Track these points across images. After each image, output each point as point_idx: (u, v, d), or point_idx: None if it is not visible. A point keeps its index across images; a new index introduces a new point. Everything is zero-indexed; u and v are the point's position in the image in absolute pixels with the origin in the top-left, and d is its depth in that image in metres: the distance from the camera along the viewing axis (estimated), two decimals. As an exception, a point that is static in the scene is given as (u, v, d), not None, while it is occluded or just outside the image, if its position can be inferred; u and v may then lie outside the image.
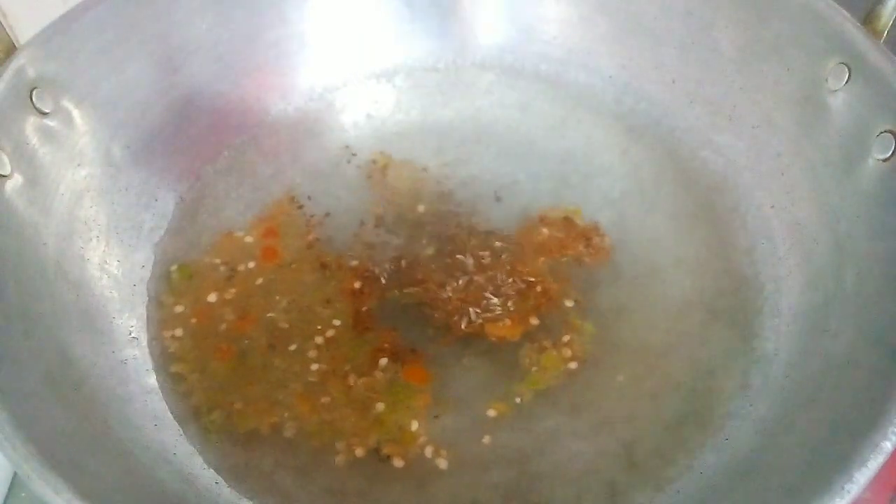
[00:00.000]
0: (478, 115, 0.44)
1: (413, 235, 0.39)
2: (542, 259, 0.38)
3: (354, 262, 0.38)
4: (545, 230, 0.39)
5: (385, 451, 0.33)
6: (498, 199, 0.41)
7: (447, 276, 0.37)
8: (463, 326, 0.35)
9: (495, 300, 0.36)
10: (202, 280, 0.38)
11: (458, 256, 0.37)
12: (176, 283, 0.38)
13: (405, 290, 0.36)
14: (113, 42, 0.37)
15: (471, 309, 0.36)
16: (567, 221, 0.39)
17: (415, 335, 0.36)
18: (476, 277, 0.37)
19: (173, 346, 0.36)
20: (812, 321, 0.34)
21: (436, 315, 0.36)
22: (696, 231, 0.39)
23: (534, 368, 0.35)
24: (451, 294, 0.36)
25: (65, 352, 0.32)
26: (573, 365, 0.35)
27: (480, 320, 0.36)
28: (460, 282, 0.36)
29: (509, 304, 0.36)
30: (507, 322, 0.36)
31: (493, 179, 0.42)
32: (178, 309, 0.37)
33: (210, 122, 0.42)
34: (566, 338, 0.35)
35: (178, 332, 0.36)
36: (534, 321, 0.36)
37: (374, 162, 0.42)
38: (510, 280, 0.37)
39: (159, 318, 0.37)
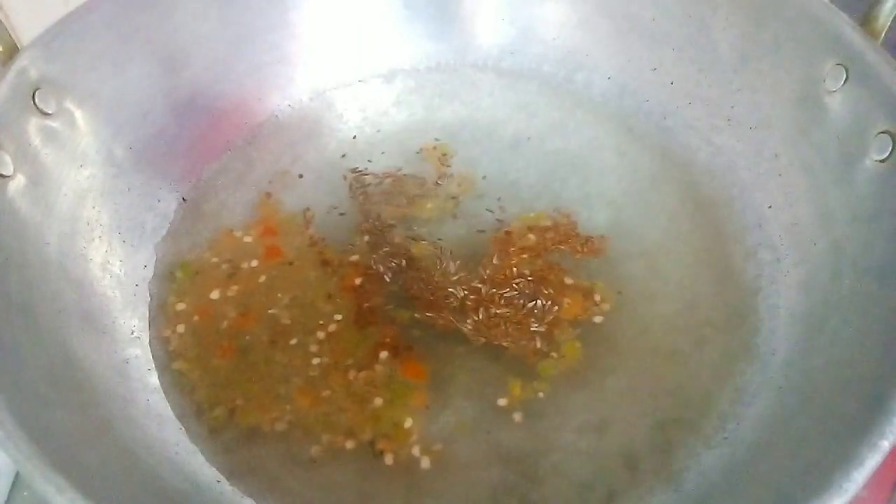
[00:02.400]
0: (477, 116, 0.44)
1: (413, 235, 0.39)
2: (542, 254, 0.38)
3: (355, 259, 0.38)
4: (543, 232, 0.39)
5: (382, 446, 0.33)
6: (498, 200, 0.41)
7: (456, 287, 0.37)
8: (539, 345, 0.35)
9: (540, 302, 0.36)
10: (205, 278, 0.38)
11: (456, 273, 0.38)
12: (179, 281, 0.38)
13: (425, 314, 0.36)
14: (115, 43, 0.38)
15: (533, 328, 0.36)
16: (565, 223, 0.39)
17: (416, 331, 0.36)
18: (493, 290, 0.37)
19: (175, 344, 0.36)
20: (810, 321, 0.34)
21: (508, 349, 0.35)
22: (695, 231, 0.39)
23: (553, 354, 0.35)
24: (474, 327, 0.36)
25: (67, 351, 0.32)
26: (599, 318, 0.36)
27: (545, 326, 0.36)
28: (480, 314, 0.36)
29: (550, 290, 0.37)
30: (568, 301, 0.36)
31: (493, 180, 0.42)
32: (181, 307, 0.37)
33: (212, 122, 0.43)
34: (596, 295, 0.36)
35: (181, 328, 0.37)
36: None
37: (374, 162, 0.43)
38: (529, 280, 0.37)
39: (161, 317, 0.37)
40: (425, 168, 0.42)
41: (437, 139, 0.43)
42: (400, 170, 0.42)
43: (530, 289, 0.37)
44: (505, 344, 0.35)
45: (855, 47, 0.33)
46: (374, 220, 0.40)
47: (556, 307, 0.36)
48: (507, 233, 0.39)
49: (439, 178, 0.42)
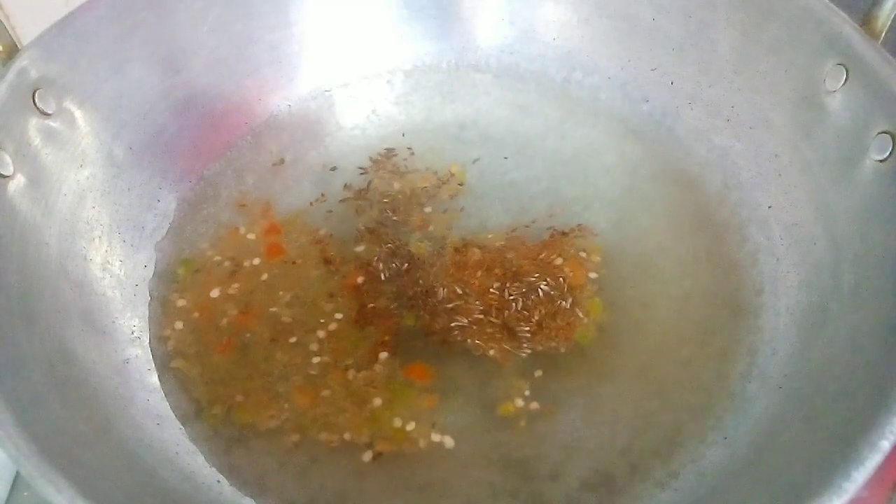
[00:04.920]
0: (477, 116, 0.45)
1: (414, 236, 0.39)
2: (544, 255, 0.38)
3: (357, 258, 0.38)
4: (542, 233, 0.39)
5: (381, 446, 0.33)
6: (497, 200, 0.41)
7: (456, 316, 0.36)
8: (581, 315, 0.36)
9: (544, 286, 0.36)
10: (206, 276, 0.38)
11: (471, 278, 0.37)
12: (180, 278, 0.38)
13: (476, 342, 0.35)
14: (115, 43, 0.38)
15: (565, 306, 0.36)
16: (520, 239, 0.39)
17: (417, 330, 0.36)
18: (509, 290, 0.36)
19: (175, 342, 0.36)
20: (810, 320, 0.34)
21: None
22: (695, 231, 0.39)
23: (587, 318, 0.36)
24: (531, 344, 0.35)
25: (67, 351, 0.32)
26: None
27: (570, 297, 0.36)
28: (528, 327, 0.35)
29: (536, 274, 0.37)
30: (569, 272, 0.37)
31: (493, 180, 0.42)
32: (181, 304, 0.37)
33: (212, 122, 0.43)
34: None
35: (180, 325, 0.37)
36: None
37: (374, 162, 0.43)
38: (509, 284, 0.37)
39: (161, 317, 0.37)
40: (425, 168, 0.42)
41: (382, 152, 0.43)
42: (399, 170, 0.42)
43: (525, 286, 0.36)
44: (560, 346, 0.35)
45: (855, 47, 0.33)
46: (373, 220, 0.40)
47: (562, 279, 0.36)
48: (457, 250, 0.38)
49: (444, 190, 0.41)
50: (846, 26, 0.34)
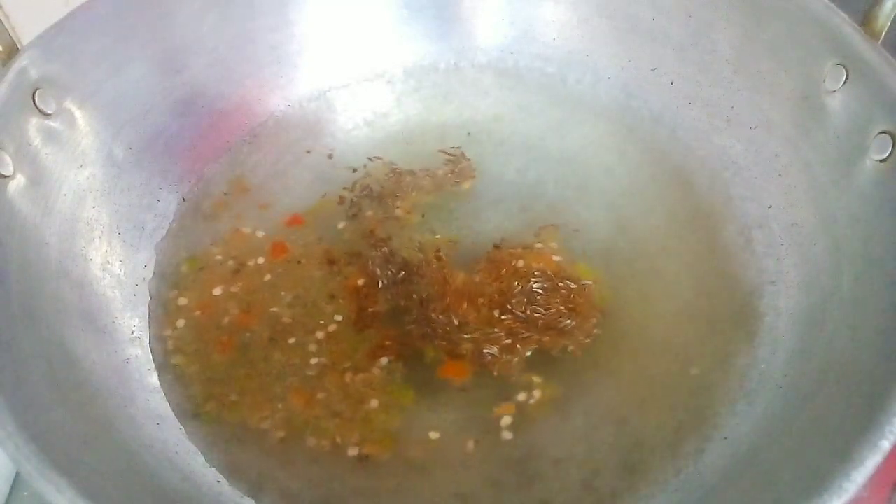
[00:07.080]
0: (477, 116, 0.45)
1: (414, 236, 0.39)
2: (505, 271, 0.38)
3: (359, 260, 0.38)
4: (541, 236, 0.39)
5: (377, 448, 0.33)
6: (497, 201, 0.41)
7: (487, 345, 0.36)
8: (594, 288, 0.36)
9: (535, 284, 0.36)
10: (209, 274, 0.38)
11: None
12: (183, 275, 0.38)
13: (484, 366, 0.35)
14: (115, 43, 0.38)
15: (572, 286, 0.36)
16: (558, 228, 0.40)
17: (416, 332, 0.36)
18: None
19: (175, 340, 0.36)
20: (810, 321, 0.34)
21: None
22: (695, 231, 0.39)
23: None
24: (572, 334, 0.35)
25: (67, 351, 0.32)
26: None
27: (566, 279, 0.36)
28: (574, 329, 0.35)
29: (518, 281, 0.37)
30: (539, 264, 0.37)
31: (493, 180, 0.42)
32: (182, 302, 0.37)
33: (212, 122, 0.43)
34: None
35: (181, 323, 0.37)
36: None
37: (373, 162, 0.43)
38: (506, 309, 0.36)
39: (162, 316, 0.37)
40: (425, 169, 0.42)
41: (382, 151, 0.43)
42: (399, 170, 0.42)
43: (524, 295, 0.36)
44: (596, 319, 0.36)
45: (855, 47, 0.33)
46: (372, 220, 0.40)
47: (539, 272, 0.37)
48: (438, 258, 0.38)
49: (440, 179, 0.42)
50: (846, 26, 0.34)
